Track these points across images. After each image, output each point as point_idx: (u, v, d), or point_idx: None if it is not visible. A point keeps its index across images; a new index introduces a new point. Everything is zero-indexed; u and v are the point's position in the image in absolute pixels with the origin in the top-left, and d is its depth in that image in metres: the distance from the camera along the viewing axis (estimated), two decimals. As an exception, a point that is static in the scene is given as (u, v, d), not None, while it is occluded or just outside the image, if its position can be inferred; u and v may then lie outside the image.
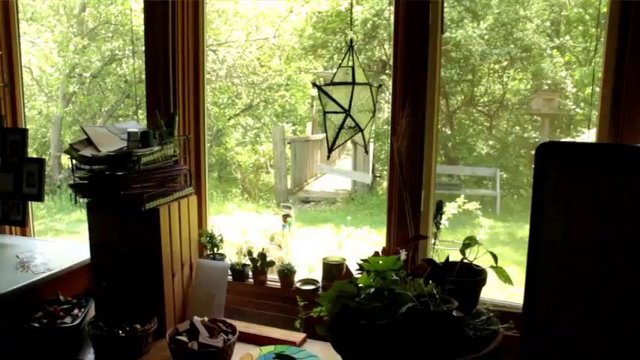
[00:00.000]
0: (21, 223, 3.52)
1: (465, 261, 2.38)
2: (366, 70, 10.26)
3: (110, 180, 2.62)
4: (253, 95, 12.16)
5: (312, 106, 13.94)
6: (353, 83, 2.17)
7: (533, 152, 2.14)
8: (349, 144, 16.38)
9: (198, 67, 3.11)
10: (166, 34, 2.99)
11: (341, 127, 2.15)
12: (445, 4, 2.68)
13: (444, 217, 2.75)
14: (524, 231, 8.61)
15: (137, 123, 3.08)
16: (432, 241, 2.66)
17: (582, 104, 10.14)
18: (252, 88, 11.56)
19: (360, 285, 2.29)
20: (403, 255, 2.59)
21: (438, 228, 2.56)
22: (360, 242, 5.65)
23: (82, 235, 8.39)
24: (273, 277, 3.13)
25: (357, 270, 2.53)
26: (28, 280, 2.80)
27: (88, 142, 2.78)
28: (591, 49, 10.88)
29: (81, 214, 9.50)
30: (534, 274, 2.14)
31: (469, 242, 2.43)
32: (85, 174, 2.71)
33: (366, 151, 2.48)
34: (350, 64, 2.23)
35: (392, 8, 2.72)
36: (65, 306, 2.86)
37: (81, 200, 2.74)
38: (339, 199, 10.60)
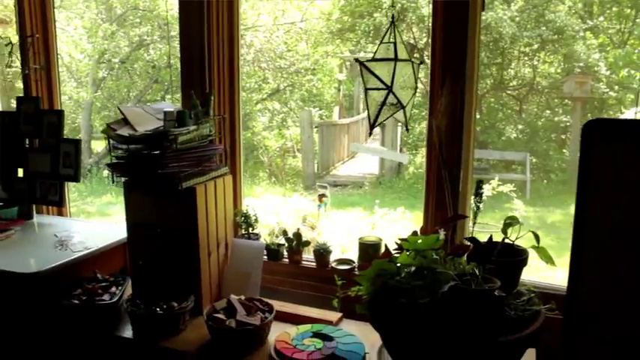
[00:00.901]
0: (58, 203, 3.55)
1: (507, 241, 2.33)
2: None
3: (147, 159, 2.62)
4: (280, 80, 12.13)
5: (339, 90, 13.85)
6: (395, 59, 2.12)
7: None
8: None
9: (233, 48, 3.09)
10: (201, 15, 2.97)
11: (383, 103, 2.11)
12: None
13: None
14: (554, 215, 8.49)
15: (172, 104, 3.08)
16: (471, 221, 2.61)
17: (616, 87, 9.92)
18: (279, 73, 11.53)
19: (400, 264, 2.26)
20: (442, 235, 2.55)
21: (477, 208, 2.51)
22: (394, 224, 5.59)
23: (113, 217, 8.50)
24: (308, 257, 3.11)
25: (396, 250, 2.50)
26: (67, 258, 2.83)
27: (125, 121, 2.78)
28: (626, 30, 10.62)
29: (112, 197, 9.62)
30: (580, 256, 2.09)
31: (510, 222, 2.38)
32: (122, 153, 2.71)
33: (407, 129, 2.43)
34: (392, 40, 2.18)
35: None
36: (103, 284, 2.88)
37: (117, 180, 2.75)
38: (367, 183, 10.55)
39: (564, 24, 9.45)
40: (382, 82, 2.10)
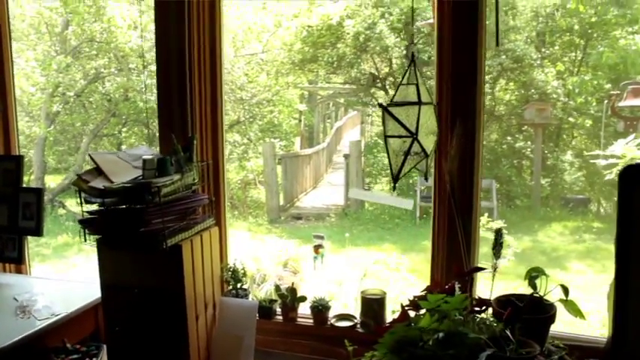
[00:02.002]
0: (17, 260, 3.14)
1: (536, 295, 2.09)
2: (357, 83, 9.98)
3: (127, 215, 2.28)
4: (240, 111, 11.82)
5: (300, 120, 13.63)
6: (419, 103, 1.86)
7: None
8: (341, 157, 16.08)
9: (216, 84, 2.79)
10: (181, 47, 2.67)
11: (407, 153, 1.84)
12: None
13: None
14: (523, 242, 8.37)
15: (148, 148, 2.75)
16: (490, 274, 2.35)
17: (575, 113, 10.01)
18: (240, 104, 11.23)
19: (422, 328, 1.99)
20: (457, 289, 2.30)
21: (497, 258, 2.26)
22: (381, 267, 5.32)
23: (69, 260, 7.95)
24: (303, 313, 2.80)
25: (408, 307, 2.23)
26: (31, 329, 2.43)
27: (98, 171, 2.44)
28: (577, 59, 10.79)
29: (68, 237, 9.04)
30: (623, 303, 1.88)
31: (537, 274, 2.15)
32: (95, 207, 2.37)
33: (426, 178, 2.17)
34: (412, 81, 1.92)
35: (432, 16, 2.44)
36: (74, 356, 2.50)
37: (90, 239, 2.40)
38: (332, 215, 10.27)
39: (523, 53, 9.50)
40: (406, 129, 1.83)
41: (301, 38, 9.82)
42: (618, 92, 7.46)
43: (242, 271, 2.81)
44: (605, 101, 8.70)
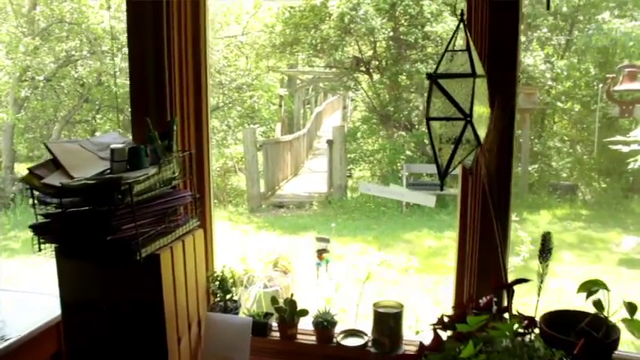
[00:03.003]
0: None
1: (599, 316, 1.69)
2: (340, 67, 9.52)
3: (90, 219, 1.81)
4: (220, 96, 11.28)
5: (281, 106, 13.12)
6: (473, 75, 1.41)
7: None
8: (321, 143, 15.62)
9: (200, 58, 2.31)
10: (158, 19, 2.18)
11: (459, 140, 1.40)
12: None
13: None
14: (514, 232, 8.04)
15: (120, 135, 2.27)
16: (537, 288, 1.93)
17: (563, 97, 9.68)
18: (219, 89, 10.68)
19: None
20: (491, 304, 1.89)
21: (545, 267, 1.85)
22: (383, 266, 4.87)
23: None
24: (304, 329, 2.36)
25: (436, 325, 1.81)
26: (-23, 357, 1.97)
27: (55, 164, 1.96)
28: (562, 43, 10.46)
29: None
30: None
31: (597, 288, 1.74)
32: (52, 209, 1.89)
33: (470, 173, 1.74)
34: (459, 47, 1.47)
35: None
36: (29, 388, 2.04)
37: (45, 249, 1.92)
38: (315, 203, 9.83)
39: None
40: (460, 109, 1.38)
41: (283, 20, 9.28)
42: (614, 76, 7.13)
43: (231, 280, 2.35)
44: (600, 85, 8.38)
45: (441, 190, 9.29)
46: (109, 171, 1.93)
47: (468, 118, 1.38)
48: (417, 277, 4.98)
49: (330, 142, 10.15)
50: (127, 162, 1.94)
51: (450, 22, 8.55)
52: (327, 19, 8.86)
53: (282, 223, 8.67)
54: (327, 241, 2.41)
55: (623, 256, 6.71)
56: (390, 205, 9.30)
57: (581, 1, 9.55)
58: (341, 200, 9.77)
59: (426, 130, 1.48)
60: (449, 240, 7.27)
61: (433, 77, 1.41)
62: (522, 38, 9.51)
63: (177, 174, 2.11)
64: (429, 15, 8.53)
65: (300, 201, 10.16)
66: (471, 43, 1.48)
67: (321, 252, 2.43)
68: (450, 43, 1.49)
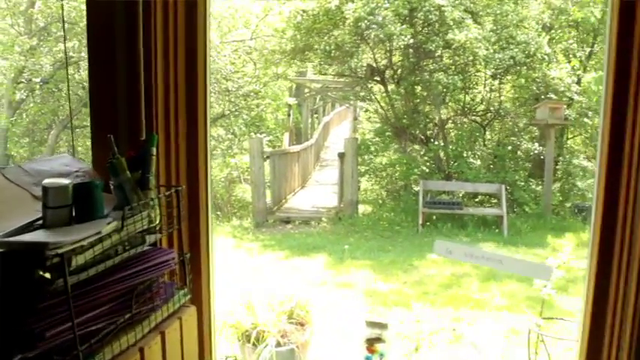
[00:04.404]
0: None
1: None
2: (354, 76, 8.71)
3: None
4: (226, 104, 10.52)
5: (289, 115, 12.33)
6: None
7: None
8: (329, 154, 14.81)
9: (196, 66, 1.52)
10: (132, 25, 1.39)
11: None
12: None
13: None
14: (539, 259, 7.20)
15: (73, 158, 1.48)
16: None
17: (590, 113, 8.89)
18: (225, 96, 9.91)
19: None
20: None
21: None
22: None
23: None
24: None
25: None
26: None
27: (-46, 209, 1.16)
28: (584, 55, 9.70)
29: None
30: None
31: None
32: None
33: None
34: None
35: None
36: None
37: None
38: (324, 219, 9.00)
39: (538, 45, 8.32)
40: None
41: (294, 24, 8.50)
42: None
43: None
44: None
45: (461, 209, 8.56)
46: (39, 223, 1.14)
47: None
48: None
49: (341, 155, 9.36)
50: (70, 208, 1.15)
51: (473, 30, 7.77)
52: (342, 24, 8.08)
53: (289, 241, 7.86)
54: (383, 327, 1.61)
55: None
56: (405, 223, 8.52)
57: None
58: (352, 217, 8.96)
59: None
60: (470, 267, 6.44)
61: None
62: (547, 50, 8.74)
63: (156, 223, 1.31)
64: (451, 22, 7.75)
65: (309, 216, 9.36)
66: None
67: (372, 343, 1.61)
68: None
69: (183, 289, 1.38)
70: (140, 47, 1.40)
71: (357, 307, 5.02)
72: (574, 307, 4.65)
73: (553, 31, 9.56)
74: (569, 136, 10.25)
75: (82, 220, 1.15)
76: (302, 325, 3.02)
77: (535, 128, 9.82)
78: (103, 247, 1.10)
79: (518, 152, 9.74)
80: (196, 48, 1.53)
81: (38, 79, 9.22)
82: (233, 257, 6.73)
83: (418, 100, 9.15)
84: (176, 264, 1.36)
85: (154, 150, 1.33)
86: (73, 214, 1.16)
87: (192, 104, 1.55)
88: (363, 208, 10.24)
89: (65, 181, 1.17)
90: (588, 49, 9.66)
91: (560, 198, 9.18)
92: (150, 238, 1.29)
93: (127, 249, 1.20)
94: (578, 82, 8.85)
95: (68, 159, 1.44)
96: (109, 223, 1.12)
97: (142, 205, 1.24)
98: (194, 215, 1.49)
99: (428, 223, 8.28)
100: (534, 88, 9.00)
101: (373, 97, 9.57)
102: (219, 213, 10.87)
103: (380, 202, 11.14)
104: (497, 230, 8.12)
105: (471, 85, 9.37)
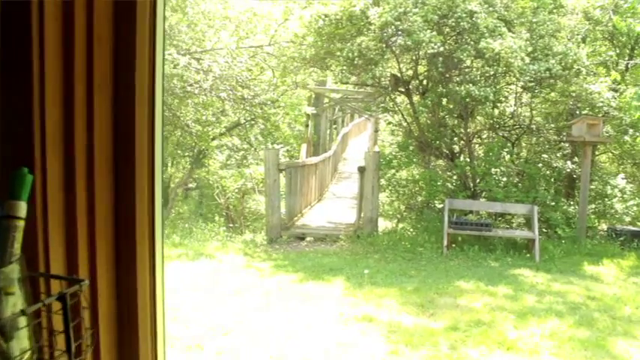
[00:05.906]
0: None
1: None
2: (377, 86, 7.96)
3: None
4: (241, 112, 9.86)
5: (307, 126, 11.64)
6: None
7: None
8: (346, 166, 14.09)
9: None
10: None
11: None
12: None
13: None
14: (573, 286, 6.36)
15: None
16: None
17: (631, 131, 8.07)
18: (240, 104, 9.25)
19: None
20: None
21: None
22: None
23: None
24: None
25: None
26: None
27: None
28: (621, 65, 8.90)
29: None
30: None
31: None
32: None
33: None
34: None
35: None
36: None
37: None
38: (342, 237, 8.27)
39: (576, 57, 7.54)
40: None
41: (315, 29, 7.82)
42: None
43: None
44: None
45: (490, 231, 7.79)
46: None
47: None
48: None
49: (361, 169, 8.64)
50: None
51: (509, 39, 7.02)
52: (366, 30, 7.37)
53: (304, 261, 7.13)
54: None
55: None
56: (428, 244, 7.74)
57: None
58: (371, 235, 8.22)
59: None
60: (504, 298, 5.66)
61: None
62: (586, 62, 7.96)
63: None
64: (484, 29, 7.01)
65: (325, 233, 8.65)
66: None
67: None
68: None
69: None
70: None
71: (378, 348, 4.31)
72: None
73: (589, 39, 8.80)
74: (596, 152, 9.46)
75: None
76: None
77: (567, 145, 9.05)
78: None
79: (549, 170, 8.93)
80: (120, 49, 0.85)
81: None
82: (241, 279, 6.03)
83: (444, 113, 8.41)
84: None
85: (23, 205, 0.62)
86: None
87: (151, 116, 0.87)
88: (382, 224, 9.52)
89: None
90: (625, 62, 8.87)
91: (596, 221, 8.34)
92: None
93: None
94: (618, 97, 8.03)
95: None
96: None
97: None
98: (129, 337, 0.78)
99: (453, 245, 7.52)
100: (570, 103, 8.21)
101: (397, 108, 8.84)
102: (231, 225, 10.22)
103: (399, 217, 10.42)
104: (528, 255, 7.32)
105: (501, 99, 8.60)
